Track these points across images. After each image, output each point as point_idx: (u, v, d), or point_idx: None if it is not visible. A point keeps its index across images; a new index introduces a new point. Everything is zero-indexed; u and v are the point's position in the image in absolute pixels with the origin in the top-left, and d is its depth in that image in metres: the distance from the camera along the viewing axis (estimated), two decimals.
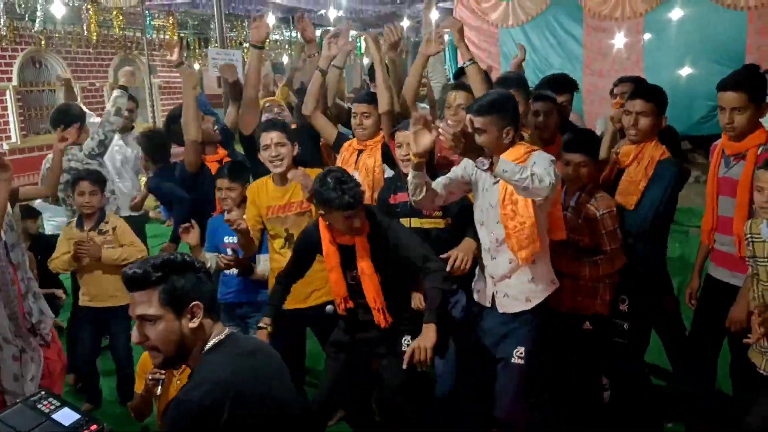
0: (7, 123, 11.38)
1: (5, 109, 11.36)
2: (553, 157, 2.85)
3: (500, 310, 3.06)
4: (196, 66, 22.45)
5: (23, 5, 8.88)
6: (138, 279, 1.82)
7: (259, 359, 1.97)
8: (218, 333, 1.91)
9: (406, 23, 14.63)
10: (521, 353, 3.01)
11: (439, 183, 3.09)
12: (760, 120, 3.21)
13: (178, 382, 3.14)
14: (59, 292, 5.66)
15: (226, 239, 3.80)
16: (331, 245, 3.08)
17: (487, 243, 3.07)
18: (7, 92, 11.34)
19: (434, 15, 12.73)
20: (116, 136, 5.30)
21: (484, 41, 9.03)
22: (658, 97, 3.45)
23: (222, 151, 4.39)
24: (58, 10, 8.85)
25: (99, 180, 4.18)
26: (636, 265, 3.39)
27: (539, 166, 2.73)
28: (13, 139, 11.21)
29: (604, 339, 3.46)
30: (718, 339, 3.42)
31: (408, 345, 3.03)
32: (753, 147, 3.13)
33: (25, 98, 11.93)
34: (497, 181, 2.91)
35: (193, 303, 1.83)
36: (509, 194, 2.87)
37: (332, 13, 12.18)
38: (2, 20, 9.31)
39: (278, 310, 3.25)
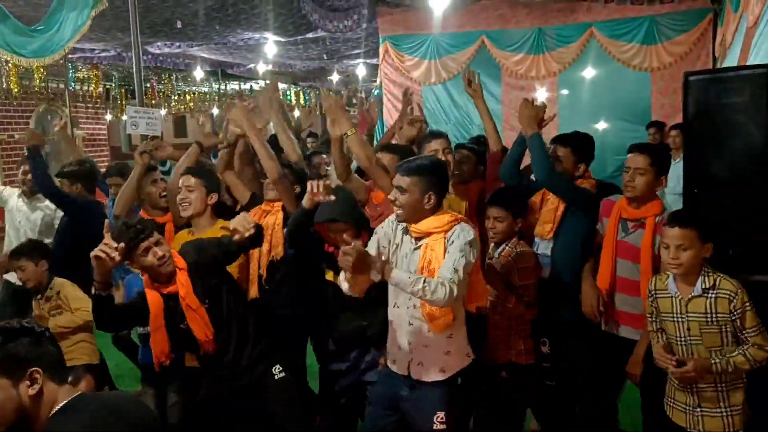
0: None
1: None
2: (472, 237, 2.83)
3: (414, 377, 3.03)
4: (125, 117, 22.18)
5: None
6: None
7: (119, 413, 1.88)
8: (67, 395, 1.83)
9: (335, 77, 14.92)
10: (441, 418, 2.97)
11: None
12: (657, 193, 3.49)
13: None
14: None
15: None
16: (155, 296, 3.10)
17: (404, 309, 3.03)
18: None
19: (361, 71, 13.05)
20: (20, 201, 5.28)
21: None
22: (575, 143, 3.95)
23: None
24: None
25: (36, 251, 4.15)
26: (560, 306, 3.63)
27: (450, 255, 2.77)
28: None
29: (523, 385, 3.58)
30: (619, 384, 3.67)
31: None
32: (650, 216, 3.38)
33: None
34: (418, 247, 2.92)
35: (32, 369, 1.78)
36: (428, 263, 2.86)
37: (261, 67, 12.29)
38: None
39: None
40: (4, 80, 9.99)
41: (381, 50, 9.41)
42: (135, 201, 4.26)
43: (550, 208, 3.83)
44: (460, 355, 3.04)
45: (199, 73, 12.21)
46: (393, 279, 2.65)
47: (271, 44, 9.19)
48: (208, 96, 16.26)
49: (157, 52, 10.19)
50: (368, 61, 11.92)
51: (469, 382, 3.18)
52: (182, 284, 3.03)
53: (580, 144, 3.99)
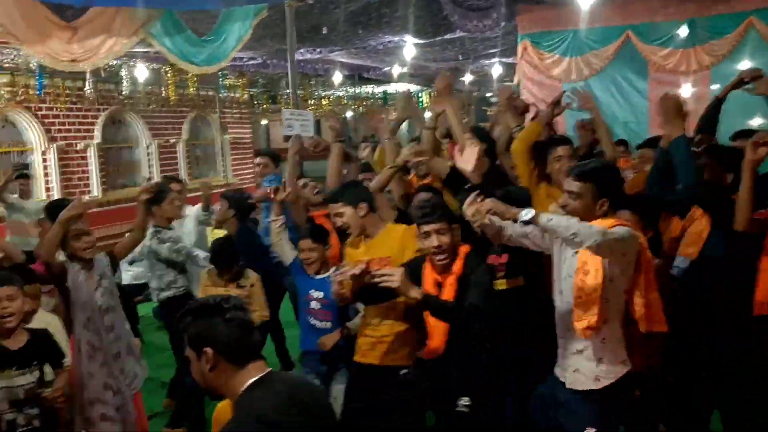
0: (89, 178, 12.04)
1: (89, 165, 12.03)
2: (629, 233, 2.76)
3: (568, 385, 2.96)
4: (264, 121, 23.34)
5: (107, 69, 9.51)
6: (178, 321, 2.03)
7: (300, 393, 2.01)
8: (252, 375, 1.93)
9: (468, 78, 14.91)
10: None
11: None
12: None
13: None
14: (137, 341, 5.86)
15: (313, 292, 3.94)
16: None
17: (563, 313, 3.00)
18: (90, 149, 12.03)
19: (496, 70, 12.96)
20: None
21: (548, 96, 9.11)
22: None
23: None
24: (141, 73, 9.44)
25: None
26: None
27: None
28: (95, 193, 11.79)
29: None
30: None
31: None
32: None
33: (106, 155, 12.62)
34: (576, 252, 2.87)
35: (206, 348, 1.92)
36: (583, 264, 2.82)
37: (396, 70, 12.52)
38: (89, 84, 9.95)
39: None
40: (163, 89, 10.80)
41: (519, 48, 9.31)
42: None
43: (695, 229, 3.55)
44: (614, 363, 2.88)
45: (337, 78, 12.61)
46: (544, 221, 2.65)
47: (410, 46, 9.35)
48: (342, 100, 16.77)
49: (300, 58, 10.64)
50: (504, 60, 11.83)
51: (627, 392, 3.05)
52: None
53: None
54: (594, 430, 2.85)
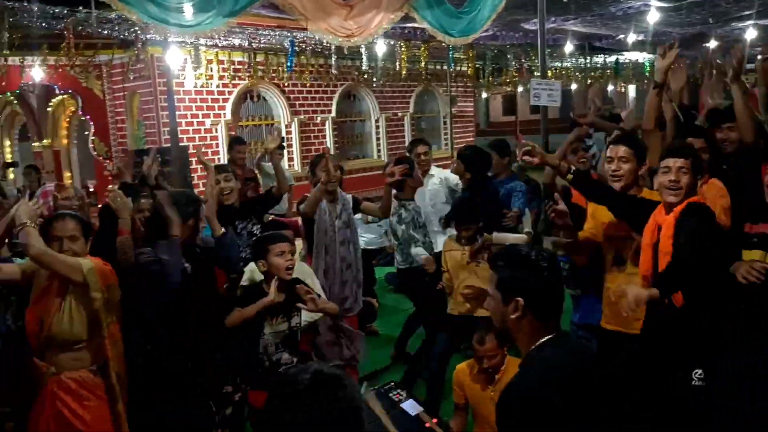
0: (326, 149, 12.97)
1: (325, 137, 12.99)
2: None
3: None
4: (484, 95, 23.33)
5: (349, 46, 10.09)
6: (491, 259, 2.10)
7: (583, 359, 2.01)
8: (547, 333, 1.95)
9: (712, 43, 13.54)
10: None
11: None
12: None
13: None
14: (375, 302, 6.25)
15: None
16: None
17: None
18: (327, 122, 12.96)
19: (750, 34, 11.61)
20: None
21: None
22: None
23: None
24: (380, 49, 9.88)
25: None
26: None
27: None
28: None
29: None
30: None
31: None
32: None
33: (340, 128, 13.52)
34: None
35: (516, 298, 1.94)
36: None
37: (631, 38, 11.75)
38: (334, 60, 10.67)
39: None
40: (397, 63, 11.23)
41: None
42: None
43: None
44: None
45: (568, 48, 12.18)
46: None
47: (653, 11, 8.70)
48: (569, 71, 16.17)
49: (533, 28, 10.42)
50: (760, 22, 10.55)
51: None
52: None
53: None
54: None
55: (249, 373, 3.52)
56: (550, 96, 5.29)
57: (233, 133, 11.33)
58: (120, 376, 3.07)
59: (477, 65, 13.79)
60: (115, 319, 3.08)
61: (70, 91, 10.88)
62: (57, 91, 10.97)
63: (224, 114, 11.15)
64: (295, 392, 1.41)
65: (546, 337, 1.94)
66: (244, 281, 3.78)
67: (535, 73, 14.57)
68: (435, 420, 2.77)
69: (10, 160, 11.76)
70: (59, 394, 2.92)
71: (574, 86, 17.24)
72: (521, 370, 1.94)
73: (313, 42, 10.22)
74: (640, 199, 3.30)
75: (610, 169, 3.40)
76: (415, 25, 9.40)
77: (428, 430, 2.67)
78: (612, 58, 15.47)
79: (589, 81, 16.25)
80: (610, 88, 22.42)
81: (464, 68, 13.87)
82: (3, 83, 10.16)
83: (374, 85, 13.32)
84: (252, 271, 3.75)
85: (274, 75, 11.47)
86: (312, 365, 1.49)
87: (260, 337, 3.48)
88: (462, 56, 13.00)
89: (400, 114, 14.66)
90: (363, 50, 9.83)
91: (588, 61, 15.47)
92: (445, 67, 14.03)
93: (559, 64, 14.88)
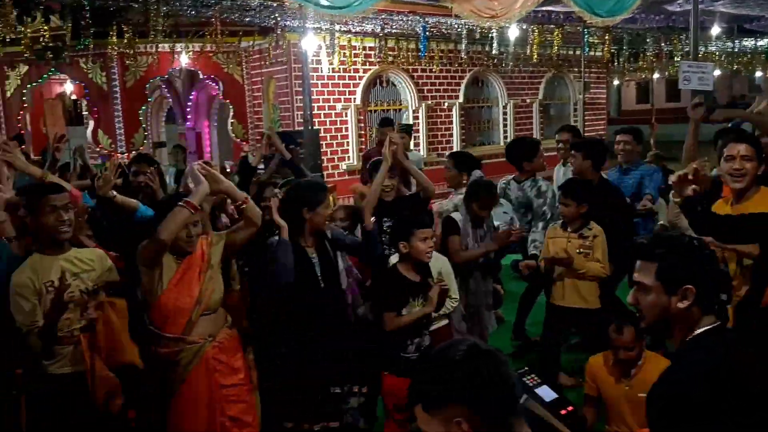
0: (451, 135, 12.97)
1: (451, 123, 12.96)
2: None
3: None
4: (616, 82, 22.29)
5: (480, 31, 9.97)
6: (642, 249, 1.98)
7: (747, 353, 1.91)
8: (708, 323, 1.88)
9: None
10: None
11: None
12: None
13: None
14: (500, 288, 6.20)
15: None
16: None
17: None
18: (454, 108, 12.93)
19: None
20: None
21: None
22: None
23: None
24: (512, 33, 9.70)
25: None
26: None
27: None
28: (455, 149, 12.68)
29: None
30: None
31: None
32: None
33: (467, 113, 13.43)
34: None
35: (686, 286, 1.86)
36: None
37: None
38: (464, 45, 10.61)
39: None
40: (528, 48, 11.00)
41: None
42: None
43: None
44: None
45: (715, 30, 11.41)
46: None
47: None
48: (713, 55, 15.14)
49: (676, 9, 9.85)
50: None
51: None
52: None
53: None
54: None
55: (388, 358, 3.55)
56: (701, 80, 4.98)
57: (362, 117, 11.60)
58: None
59: (612, 50, 13.19)
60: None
61: (212, 76, 11.54)
62: (200, 76, 11.66)
63: (354, 99, 11.40)
64: (450, 361, 1.44)
65: (708, 326, 1.87)
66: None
67: (677, 58, 13.76)
68: (570, 408, 2.73)
69: (159, 141, 12.67)
70: (219, 357, 3.13)
71: (717, 72, 16.13)
72: (683, 360, 1.87)
73: (444, 27, 10.20)
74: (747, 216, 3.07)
75: (731, 167, 3.20)
76: (551, 8, 9.16)
77: (564, 417, 2.63)
78: (763, 42, 14.30)
79: (735, 66, 15.14)
80: (758, 74, 20.78)
81: (598, 53, 13.32)
82: (154, 68, 10.95)
83: (503, 70, 13.13)
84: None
85: (403, 60, 11.57)
86: (468, 339, 1.51)
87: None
88: (597, 41, 12.50)
89: (528, 100, 14.35)
90: (494, 35, 9.67)
91: (737, 44, 14.39)
92: (577, 52, 13.57)
93: (704, 49, 13.94)
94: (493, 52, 10.71)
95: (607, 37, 11.34)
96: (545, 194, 4.98)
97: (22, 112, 11.35)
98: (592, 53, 13.88)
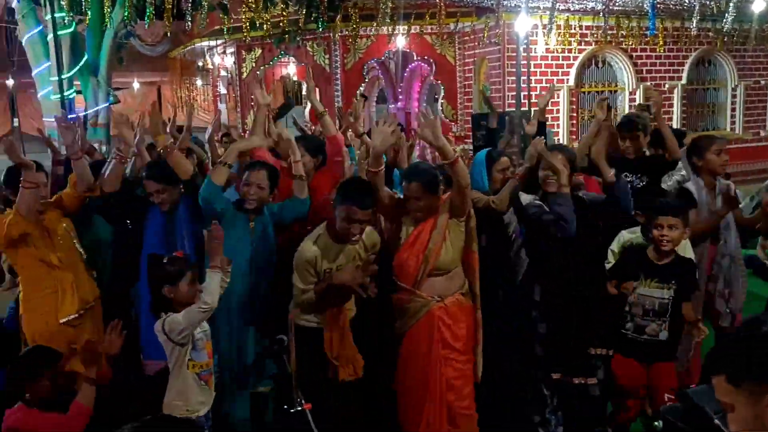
0: (671, 119, 12.09)
1: (672, 106, 12.08)
2: None
3: None
4: None
5: (716, 4, 9.14)
6: None
7: None
8: None
9: None
10: None
11: None
12: None
13: None
14: None
15: None
16: None
17: None
18: (676, 90, 12.03)
19: None
20: None
21: None
22: None
23: None
24: (757, 7, 8.61)
25: None
26: None
27: None
28: None
29: None
30: None
31: None
32: None
33: (690, 96, 12.43)
34: None
35: None
36: None
37: None
38: (694, 22, 9.79)
39: None
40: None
41: None
42: None
43: None
44: None
45: None
46: None
47: None
48: None
49: None
50: None
51: None
52: None
53: None
54: None
55: (614, 337, 3.48)
56: None
57: (574, 98, 11.24)
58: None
59: None
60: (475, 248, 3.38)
61: (425, 57, 11.83)
62: (414, 58, 12.00)
63: (567, 79, 11.08)
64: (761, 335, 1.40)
65: None
66: (613, 247, 3.75)
67: None
68: None
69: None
70: (443, 318, 3.27)
71: None
72: None
73: (673, 2, 9.51)
74: None
75: None
76: None
77: None
78: None
79: None
80: None
81: None
82: (373, 51, 11.48)
83: (735, 49, 11.96)
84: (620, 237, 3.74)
85: (622, 39, 11.01)
86: None
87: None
88: None
89: (764, 82, 12.94)
90: (731, 10, 8.80)
91: None
92: None
93: None
94: (725, 28, 9.78)
95: None
96: None
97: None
98: None
